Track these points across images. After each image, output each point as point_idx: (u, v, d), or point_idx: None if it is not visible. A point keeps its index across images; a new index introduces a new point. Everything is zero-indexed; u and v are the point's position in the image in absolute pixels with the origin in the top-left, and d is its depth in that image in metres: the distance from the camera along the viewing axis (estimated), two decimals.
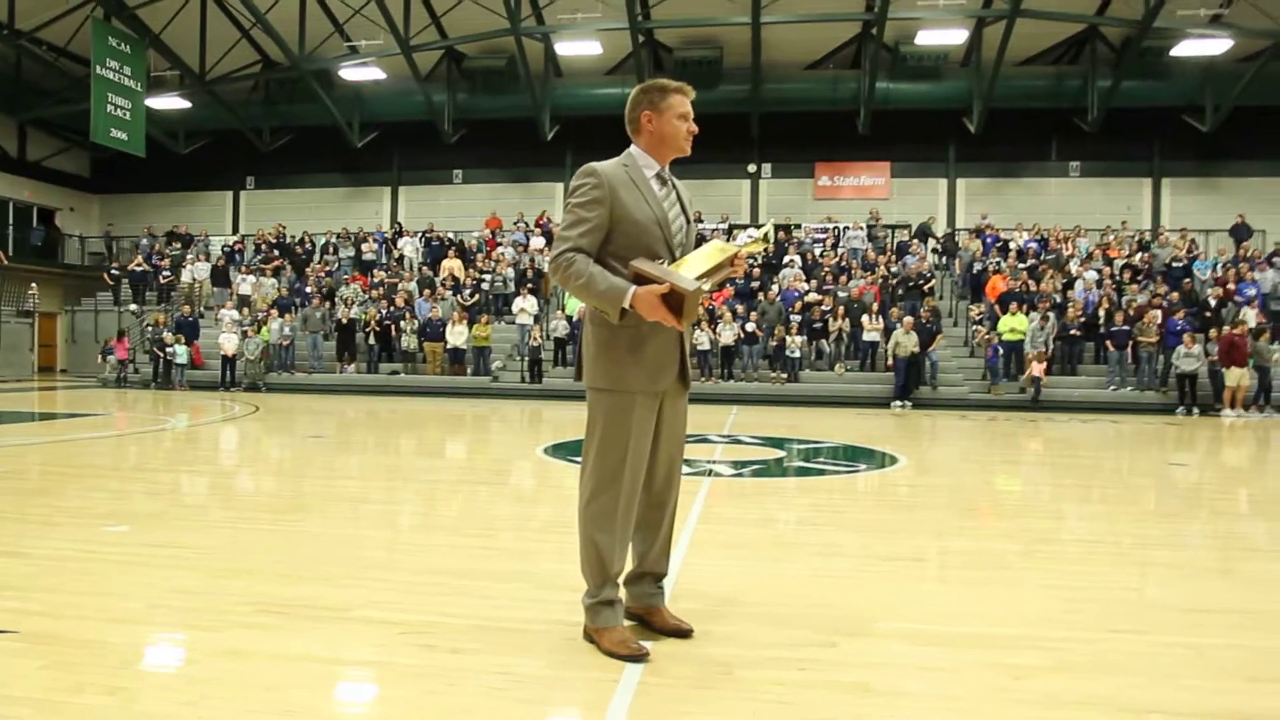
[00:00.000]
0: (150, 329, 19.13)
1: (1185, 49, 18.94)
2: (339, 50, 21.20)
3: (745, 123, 22.00)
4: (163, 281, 21.70)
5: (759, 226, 20.21)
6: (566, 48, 20.98)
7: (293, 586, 3.35)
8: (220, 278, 21.21)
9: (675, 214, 2.76)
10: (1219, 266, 17.97)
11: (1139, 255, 18.64)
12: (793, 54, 21.10)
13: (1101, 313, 16.23)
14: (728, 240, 3.04)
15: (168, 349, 18.21)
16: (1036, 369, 15.40)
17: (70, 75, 21.63)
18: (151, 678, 2.43)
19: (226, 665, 2.50)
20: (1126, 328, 15.66)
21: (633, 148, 2.77)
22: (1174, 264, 17.88)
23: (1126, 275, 17.83)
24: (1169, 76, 19.84)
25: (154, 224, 24.56)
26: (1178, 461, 8.62)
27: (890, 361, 15.86)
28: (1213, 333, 15.02)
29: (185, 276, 21.39)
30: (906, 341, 15.59)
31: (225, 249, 22.60)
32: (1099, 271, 17.78)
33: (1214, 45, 18.76)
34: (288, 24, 19.80)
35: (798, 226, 21.40)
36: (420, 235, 22.07)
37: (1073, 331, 16.13)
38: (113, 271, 22.23)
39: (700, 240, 2.89)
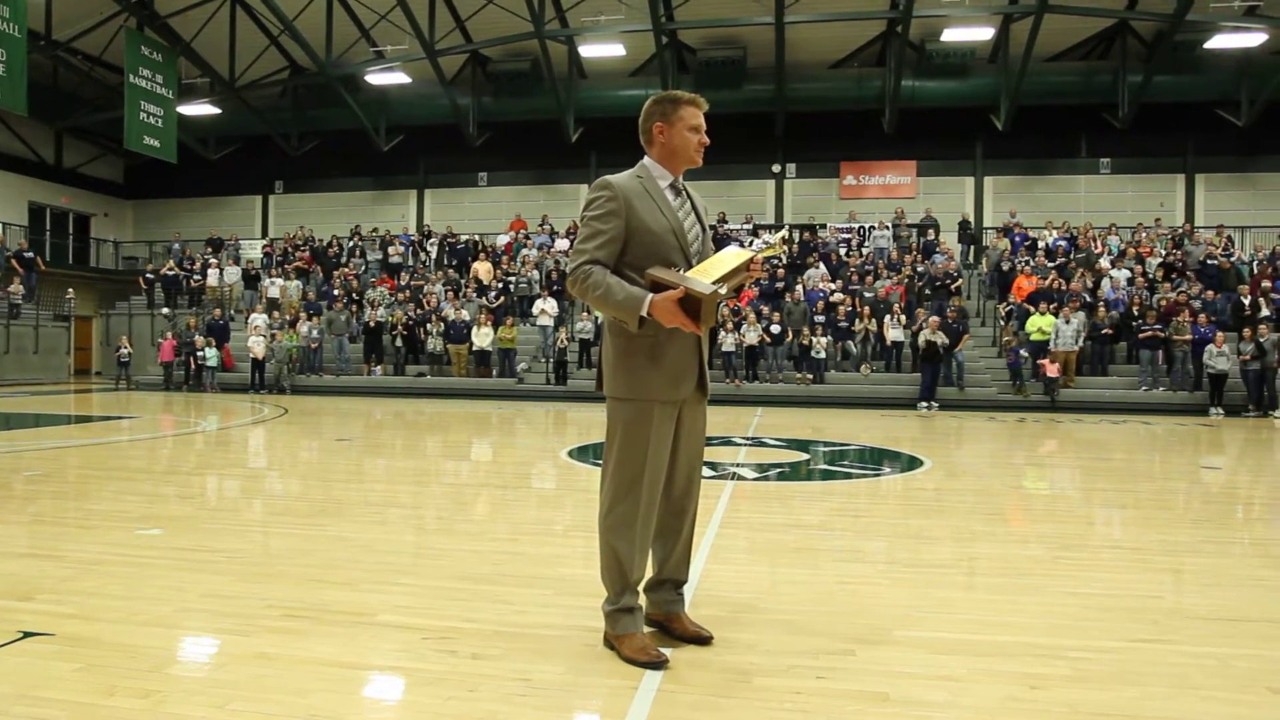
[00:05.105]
0: (182, 333, 19.46)
1: (1218, 42, 18.59)
2: (365, 55, 21.46)
3: (769, 123, 21.93)
4: (194, 285, 22.07)
5: (777, 230, 20.20)
6: (590, 50, 21.06)
7: (319, 591, 3.42)
8: (250, 281, 21.55)
9: (690, 223, 2.78)
10: (1254, 264, 17.64)
11: (1174, 253, 18.30)
12: (817, 53, 21.00)
13: (1135, 311, 15.99)
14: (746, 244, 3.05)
15: (198, 352, 18.52)
16: (1051, 369, 15.20)
17: (104, 84, 22.11)
18: (182, 681, 2.49)
19: (254, 669, 2.56)
20: (1159, 326, 15.43)
21: (646, 159, 2.80)
22: (1208, 261, 17.56)
23: (1160, 274, 17.55)
24: (1202, 70, 19.48)
25: (182, 230, 24.98)
26: (1210, 465, 8.48)
27: (922, 349, 15.61)
28: (1246, 332, 14.73)
29: (212, 279, 21.71)
30: (935, 341, 15.45)
31: (265, 254, 22.95)
32: (1130, 270, 17.52)
33: (1248, 38, 18.42)
34: (315, 30, 20.08)
35: (823, 226, 21.30)
36: (440, 238, 22.25)
37: (1104, 330, 15.91)
38: (147, 275, 22.66)
39: (723, 242, 2.91)
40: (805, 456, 8.51)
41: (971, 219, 21.71)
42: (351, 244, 22.52)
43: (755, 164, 22.84)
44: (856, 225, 21.15)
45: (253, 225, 26.11)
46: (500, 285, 19.71)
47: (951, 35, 19.61)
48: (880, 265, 19.04)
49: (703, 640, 2.81)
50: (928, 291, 17.85)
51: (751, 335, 16.68)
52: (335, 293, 19.96)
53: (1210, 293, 16.48)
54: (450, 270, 21.04)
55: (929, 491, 6.43)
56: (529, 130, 22.92)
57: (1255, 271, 17.28)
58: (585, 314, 17.82)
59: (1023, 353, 15.76)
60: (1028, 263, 18.13)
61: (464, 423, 12.14)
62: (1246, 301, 15.97)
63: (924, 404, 15.37)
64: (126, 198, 27.40)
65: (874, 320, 17.02)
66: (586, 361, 17.59)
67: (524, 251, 21.03)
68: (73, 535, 4.43)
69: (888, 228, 20.51)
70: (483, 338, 17.84)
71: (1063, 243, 19.11)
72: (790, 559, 4.15)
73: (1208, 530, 5.03)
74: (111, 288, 25.06)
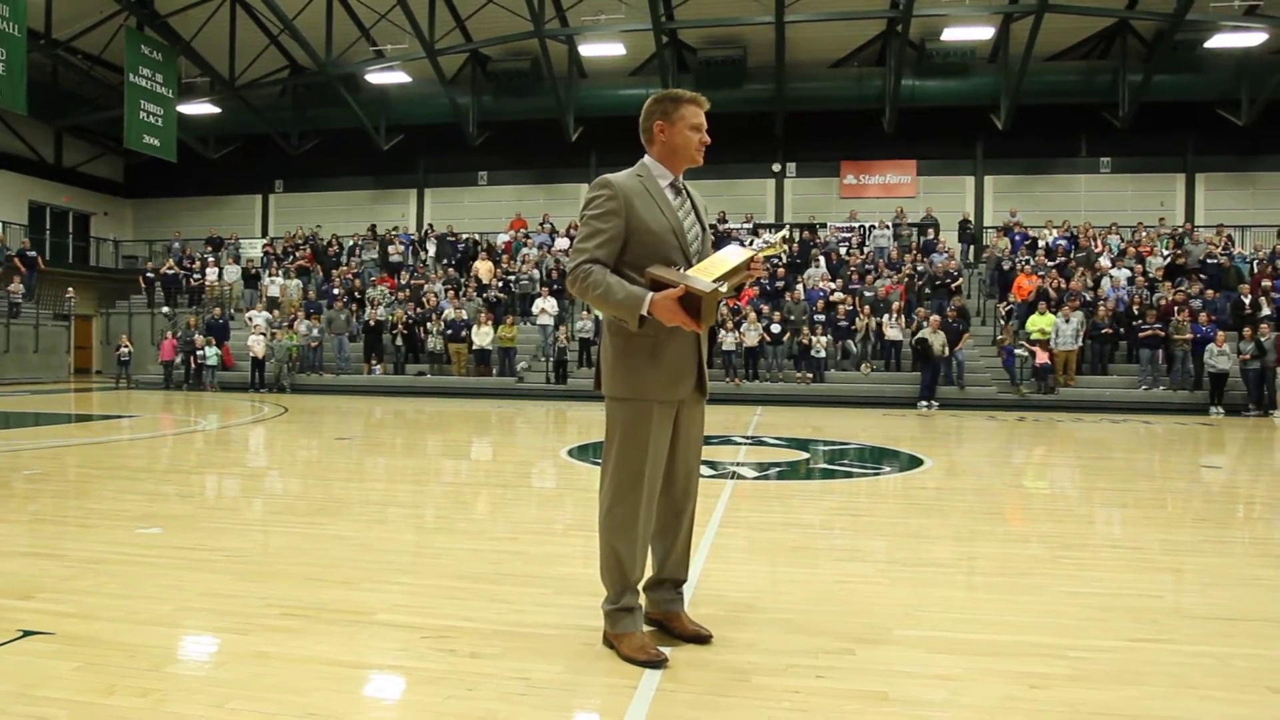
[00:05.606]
0: (182, 332, 19.45)
1: (1219, 42, 18.59)
2: (365, 54, 21.45)
3: (769, 122, 21.92)
4: (194, 284, 22.05)
5: (777, 229, 20.18)
6: (590, 49, 21.05)
7: (318, 590, 3.41)
8: (250, 280, 21.54)
9: (690, 222, 2.78)
10: (1255, 263, 17.64)
11: (1177, 252, 18.27)
12: (817, 52, 20.98)
13: (1135, 310, 15.98)
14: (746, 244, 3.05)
15: (198, 351, 18.52)
16: (1041, 355, 15.17)
17: (104, 83, 22.10)
18: (181, 680, 2.49)
19: (253, 668, 2.56)
20: (1159, 325, 15.42)
21: (646, 158, 2.79)
22: (1208, 260, 17.56)
23: (1161, 273, 17.54)
24: (1202, 70, 19.48)
25: (181, 229, 24.97)
26: (1210, 464, 8.48)
27: (915, 347, 15.63)
28: (1246, 331, 14.73)
29: (212, 278, 21.68)
30: (934, 340, 15.47)
31: (265, 254, 22.94)
32: (1131, 269, 17.52)
33: (1248, 38, 18.41)
34: (315, 29, 20.07)
35: (823, 226, 21.30)
36: (439, 237, 22.23)
37: (1104, 330, 15.90)
38: (147, 274, 22.65)
39: (723, 241, 2.91)
40: (805, 455, 8.51)
41: (972, 218, 21.70)
42: (351, 243, 22.52)
43: (755, 163, 22.82)
44: (857, 224, 21.16)
45: (253, 224, 26.09)
46: (500, 284, 19.71)
47: (951, 34, 19.61)
48: (880, 264, 19.04)
49: (702, 639, 2.81)
50: (928, 291, 17.85)
51: (751, 334, 16.67)
52: (335, 292, 19.97)
53: (1210, 292, 16.47)
54: (450, 269, 21.04)
55: (929, 491, 6.43)
56: (529, 129, 22.91)
57: (1255, 270, 17.28)
58: (585, 313, 17.81)
59: (1017, 352, 15.78)
60: (1028, 262, 18.13)
61: (464, 422, 12.13)
62: (1247, 300, 15.98)
63: (924, 403, 15.37)
64: (126, 197, 27.39)
65: (874, 319, 17.02)
66: (586, 360, 17.59)
67: (524, 250, 21.03)
68: (72, 534, 4.43)
69: (888, 227, 20.50)
70: (483, 337, 17.84)
71: (1063, 242, 19.12)
72: (790, 558, 4.14)
73: (1208, 530, 5.03)
74: (111, 287, 25.04)
